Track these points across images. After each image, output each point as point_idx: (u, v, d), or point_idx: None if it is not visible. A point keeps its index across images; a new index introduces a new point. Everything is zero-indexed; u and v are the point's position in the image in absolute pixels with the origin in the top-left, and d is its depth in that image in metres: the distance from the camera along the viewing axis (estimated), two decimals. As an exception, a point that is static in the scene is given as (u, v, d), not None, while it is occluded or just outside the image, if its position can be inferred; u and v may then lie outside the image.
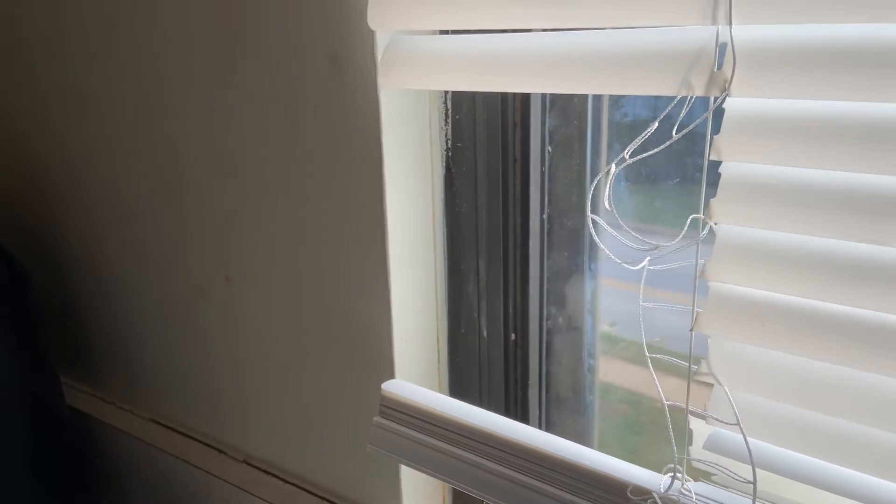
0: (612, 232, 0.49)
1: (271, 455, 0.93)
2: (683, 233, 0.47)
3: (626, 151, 0.48)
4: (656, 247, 0.47)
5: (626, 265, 0.49)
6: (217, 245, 0.88)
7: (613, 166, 0.48)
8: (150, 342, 1.03)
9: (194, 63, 0.81)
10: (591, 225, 0.49)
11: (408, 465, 0.66)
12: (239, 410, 0.95)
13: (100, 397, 1.15)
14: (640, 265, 0.48)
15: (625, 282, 0.76)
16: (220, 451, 0.98)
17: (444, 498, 0.84)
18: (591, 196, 0.50)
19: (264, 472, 0.93)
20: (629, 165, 0.72)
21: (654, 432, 0.76)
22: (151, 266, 0.98)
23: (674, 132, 0.47)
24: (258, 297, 0.86)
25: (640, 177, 0.71)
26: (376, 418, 0.69)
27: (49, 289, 1.14)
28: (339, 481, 0.86)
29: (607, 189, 0.48)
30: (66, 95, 0.98)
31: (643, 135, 0.48)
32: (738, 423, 0.48)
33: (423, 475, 0.81)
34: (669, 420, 0.51)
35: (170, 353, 1.01)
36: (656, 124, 0.46)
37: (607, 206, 0.46)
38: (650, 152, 0.47)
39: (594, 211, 0.72)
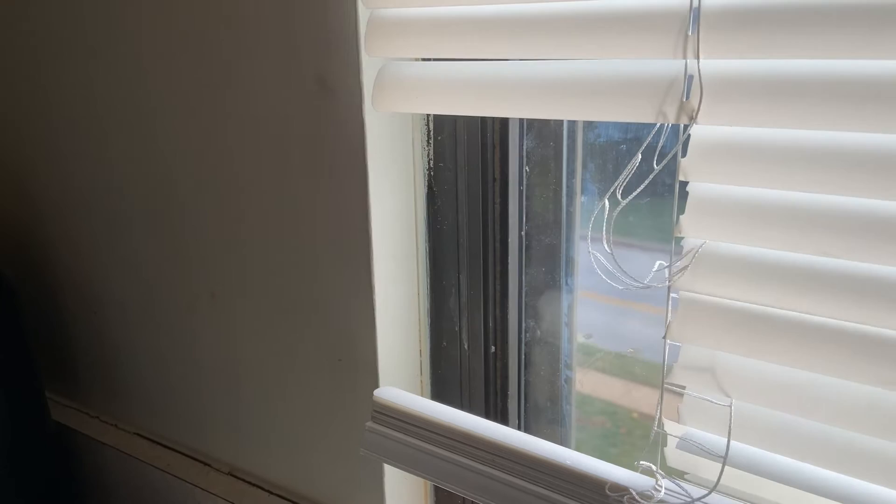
0: (608, 266, 0.52)
1: (256, 467, 0.95)
2: (652, 273, 0.51)
3: (615, 188, 0.52)
4: (646, 287, 0.51)
5: (623, 286, 0.53)
6: (204, 261, 0.90)
7: (607, 203, 0.52)
8: (135, 357, 1.04)
9: (185, 83, 0.83)
10: (592, 258, 0.52)
11: (398, 468, 0.69)
12: (224, 423, 0.96)
13: (84, 412, 1.15)
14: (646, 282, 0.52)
15: (601, 294, 0.80)
16: (205, 463, 0.99)
17: (426, 503, 0.87)
18: (590, 230, 0.53)
19: (249, 483, 0.94)
20: (603, 184, 0.76)
21: (630, 442, 0.80)
22: (138, 282, 0.99)
23: (654, 163, 0.51)
24: (244, 312, 0.88)
25: (615, 194, 0.75)
26: (369, 423, 0.72)
27: (35, 303, 1.14)
28: (323, 490, 0.88)
29: (606, 226, 0.52)
30: (56, 111, 0.99)
31: (628, 170, 0.52)
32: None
33: (407, 481, 0.84)
34: (657, 421, 0.54)
35: (155, 368, 1.02)
36: (640, 157, 0.50)
37: (607, 248, 0.50)
38: (638, 190, 0.51)
39: (575, 236, 0.76)
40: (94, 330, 1.08)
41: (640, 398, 0.78)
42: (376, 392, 0.73)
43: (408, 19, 0.60)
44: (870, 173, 0.45)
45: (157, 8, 0.82)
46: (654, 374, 0.76)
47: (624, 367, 0.79)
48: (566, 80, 0.53)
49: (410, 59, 0.68)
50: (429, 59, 0.68)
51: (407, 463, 0.67)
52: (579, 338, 0.80)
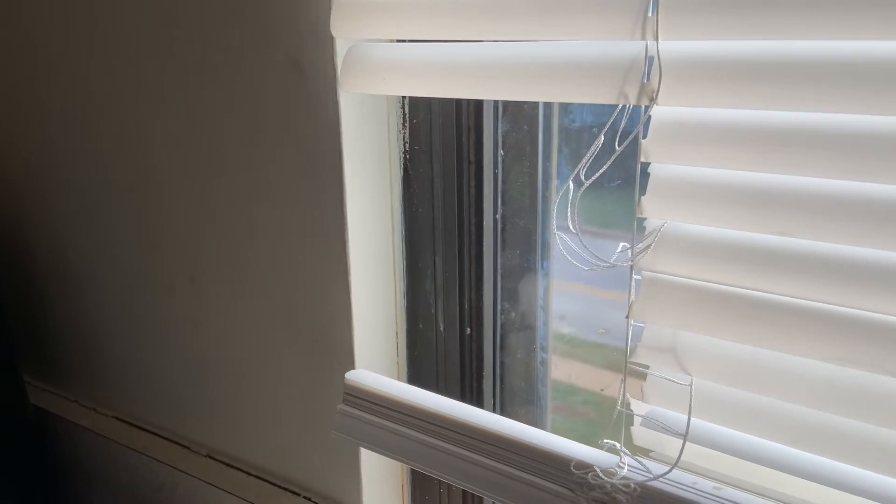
0: (575, 248, 0.53)
1: (234, 449, 0.95)
2: (616, 254, 0.51)
3: (579, 170, 0.53)
4: (613, 265, 0.52)
5: (587, 268, 0.54)
6: (182, 245, 0.90)
7: (571, 185, 0.52)
8: (113, 340, 1.05)
9: (161, 66, 0.83)
10: (559, 242, 0.53)
11: (370, 449, 0.70)
12: (202, 406, 0.97)
13: (63, 396, 1.15)
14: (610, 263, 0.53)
15: (577, 283, 0.80)
16: (183, 445, 1.00)
17: (402, 483, 0.88)
18: (555, 212, 0.53)
19: (227, 465, 0.95)
20: (576, 165, 0.76)
21: (601, 423, 0.81)
22: (116, 265, 0.99)
23: (616, 143, 0.51)
24: (222, 295, 0.88)
25: (589, 177, 0.75)
26: (340, 406, 0.73)
27: (13, 287, 1.14)
28: (302, 471, 0.89)
29: (571, 207, 0.52)
30: (33, 96, 0.99)
31: (591, 152, 0.53)
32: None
33: (383, 462, 0.85)
34: (620, 402, 0.55)
35: (134, 351, 1.03)
36: (602, 138, 0.51)
37: (572, 229, 0.50)
38: (602, 169, 0.52)
39: (551, 220, 0.76)
40: (72, 313, 1.09)
41: (610, 380, 0.79)
42: (348, 375, 0.73)
43: (371, 0, 0.60)
44: (828, 153, 0.46)
45: (131, -10, 0.82)
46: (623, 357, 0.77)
47: (595, 351, 0.79)
48: (529, 62, 0.54)
49: (381, 41, 0.68)
50: (398, 41, 0.69)
51: (378, 445, 0.68)
52: (554, 321, 0.81)
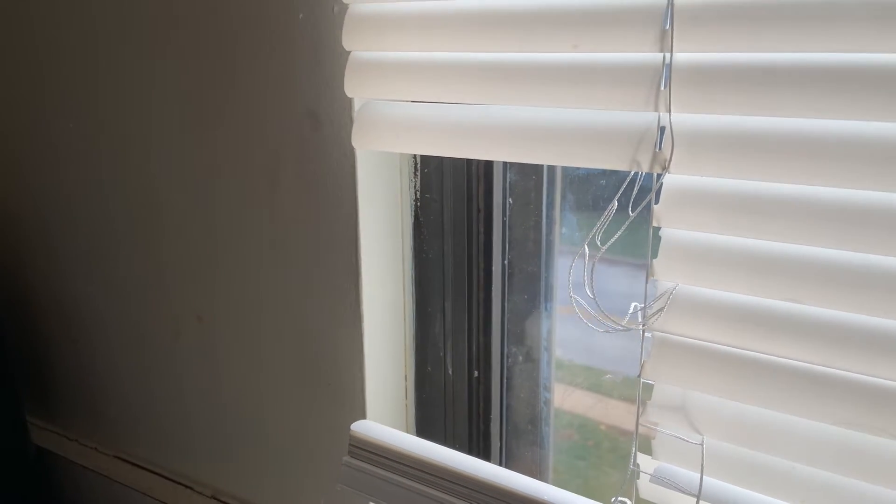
0: (592, 313, 0.54)
1: (240, 490, 0.95)
2: (628, 315, 0.53)
3: (593, 234, 0.54)
4: (625, 328, 0.53)
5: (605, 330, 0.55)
6: (190, 286, 0.91)
7: (587, 249, 0.54)
8: (116, 379, 1.04)
9: (177, 109, 0.85)
10: (575, 306, 0.54)
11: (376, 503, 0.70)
12: (207, 446, 0.97)
13: (64, 435, 1.14)
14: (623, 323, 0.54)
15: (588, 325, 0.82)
16: (186, 486, 1.00)
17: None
18: (570, 276, 0.55)
19: (234, 506, 0.96)
20: (581, 212, 0.78)
21: (598, 455, 0.82)
22: (121, 305, 1.00)
23: (630, 209, 0.53)
24: (230, 336, 0.89)
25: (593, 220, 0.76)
26: (345, 458, 0.73)
27: (15, 326, 1.14)
28: (309, 514, 0.89)
29: (587, 273, 0.53)
30: (40, 131, 1.00)
31: (605, 217, 0.54)
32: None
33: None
34: (633, 451, 0.56)
35: (137, 391, 1.02)
36: (616, 203, 0.52)
37: (589, 294, 0.52)
38: (615, 237, 0.53)
39: (554, 264, 0.78)
40: (74, 352, 1.08)
41: (616, 415, 0.80)
42: (353, 426, 0.74)
43: (385, 62, 0.62)
44: (836, 224, 0.47)
45: (156, 36, 0.84)
46: (630, 390, 0.78)
47: (603, 384, 0.81)
48: (544, 127, 0.55)
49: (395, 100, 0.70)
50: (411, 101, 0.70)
51: (384, 499, 0.68)
52: (558, 355, 0.82)
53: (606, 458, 0.82)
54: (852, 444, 0.50)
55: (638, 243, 0.73)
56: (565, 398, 0.83)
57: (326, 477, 0.85)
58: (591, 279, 0.53)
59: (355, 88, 0.64)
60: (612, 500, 0.57)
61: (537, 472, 0.85)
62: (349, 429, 0.75)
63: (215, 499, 0.97)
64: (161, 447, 1.02)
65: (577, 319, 0.81)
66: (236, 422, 0.92)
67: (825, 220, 0.48)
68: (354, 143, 0.66)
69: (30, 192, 1.05)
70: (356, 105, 0.70)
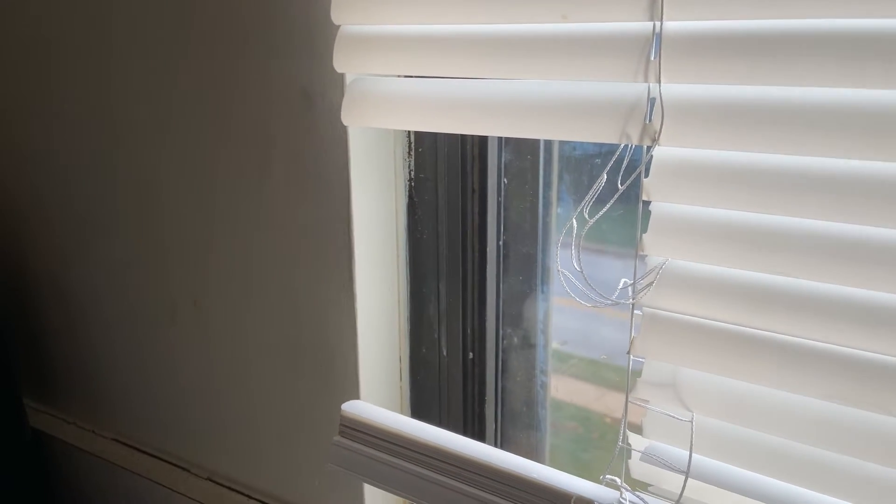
0: (578, 284, 0.53)
1: (236, 472, 0.95)
2: (618, 290, 0.52)
3: (582, 207, 0.53)
4: (615, 303, 0.52)
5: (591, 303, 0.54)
6: (185, 268, 0.91)
7: (574, 223, 0.53)
8: (114, 362, 1.05)
9: (168, 90, 0.84)
10: (562, 279, 0.53)
11: (366, 483, 0.70)
12: (204, 428, 0.97)
13: (62, 418, 1.15)
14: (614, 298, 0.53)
15: (577, 300, 0.81)
16: (183, 468, 1.00)
17: (405, 509, 0.88)
18: (558, 247, 0.54)
19: (229, 488, 0.95)
20: (578, 195, 0.77)
21: (602, 447, 0.81)
22: (118, 288, 1.00)
23: (619, 181, 0.52)
24: (226, 319, 0.89)
25: (592, 208, 0.76)
26: (335, 437, 0.73)
27: (12, 308, 1.15)
28: (305, 497, 0.89)
29: (575, 243, 0.53)
30: (39, 117, 1.00)
31: (594, 190, 0.53)
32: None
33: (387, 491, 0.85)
34: (622, 433, 0.55)
35: (134, 373, 1.03)
36: (605, 176, 0.51)
37: (576, 266, 0.51)
38: (605, 209, 0.53)
39: (551, 246, 0.77)
40: (71, 335, 1.09)
41: (612, 404, 0.79)
42: (344, 406, 0.74)
43: (374, 36, 0.61)
44: (827, 196, 0.47)
45: (146, 15, 0.83)
46: (625, 380, 0.78)
47: (597, 373, 0.80)
48: (533, 100, 0.55)
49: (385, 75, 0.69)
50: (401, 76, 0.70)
51: (373, 477, 0.68)
52: (554, 344, 0.82)
53: (596, 442, 0.82)
54: (844, 420, 0.49)
55: (630, 234, 0.72)
56: (559, 385, 0.82)
57: (321, 459, 0.85)
58: (579, 252, 0.52)
59: (345, 63, 0.63)
60: (601, 477, 0.57)
61: (533, 455, 0.85)
62: (340, 409, 0.74)
63: (211, 481, 0.97)
64: (158, 430, 1.03)
65: (574, 309, 0.81)
66: (232, 404, 0.92)
67: (817, 192, 0.47)
68: (344, 120, 0.66)
69: (27, 174, 1.05)
70: (348, 81, 0.69)
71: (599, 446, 0.82)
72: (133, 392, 1.04)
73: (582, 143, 0.77)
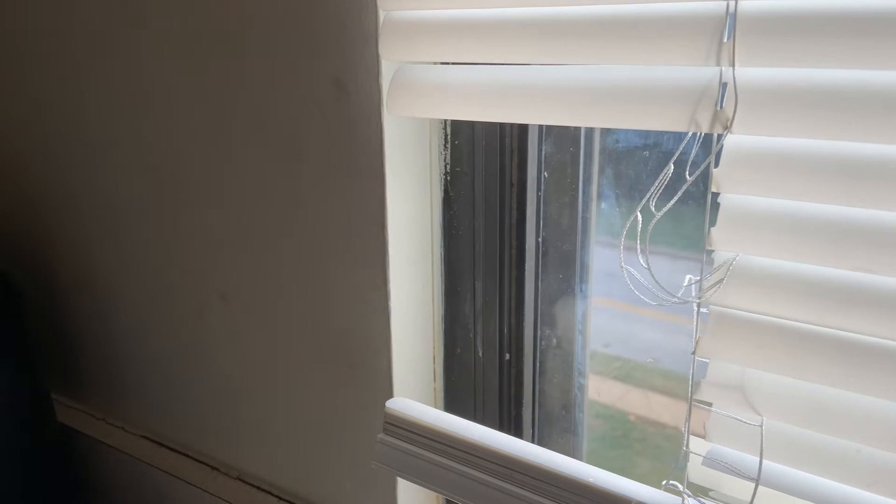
0: (643, 281, 0.51)
1: (266, 472, 0.93)
2: (683, 288, 0.49)
3: (648, 198, 0.50)
4: (679, 300, 0.50)
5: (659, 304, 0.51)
6: (214, 263, 0.89)
7: (640, 216, 0.50)
8: (143, 359, 1.03)
9: (198, 81, 0.82)
10: (626, 275, 0.51)
11: (411, 481, 0.68)
12: (233, 427, 0.95)
13: (91, 414, 1.14)
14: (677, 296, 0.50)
15: (615, 300, 0.78)
16: (213, 467, 0.98)
17: (441, 513, 0.86)
18: (623, 243, 0.51)
19: (258, 488, 0.93)
20: (621, 189, 0.75)
21: (646, 452, 0.79)
22: (145, 283, 0.98)
23: (687, 174, 0.49)
24: (255, 315, 0.87)
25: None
26: (380, 435, 0.70)
27: (42, 305, 1.13)
28: (336, 498, 0.87)
29: (641, 238, 0.50)
30: (64, 113, 0.98)
31: (660, 180, 0.50)
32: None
33: (420, 492, 0.82)
34: (686, 437, 0.53)
35: (164, 370, 1.01)
36: (671, 166, 0.49)
37: (643, 264, 0.48)
38: (672, 201, 0.50)
39: (590, 243, 0.74)
40: (100, 331, 1.07)
41: (659, 408, 0.76)
42: (388, 403, 0.71)
43: (423, 21, 0.58)
44: (910, 187, 0.44)
45: (179, 4, 0.81)
46: (672, 384, 0.75)
47: (643, 377, 0.77)
48: (593, 87, 0.52)
49: (429, 63, 0.67)
50: (448, 63, 0.67)
51: (420, 476, 0.65)
52: (597, 346, 0.79)
53: (635, 447, 0.79)
54: (929, 426, 0.46)
55: (682, 232, 0.69)
56: (602, 389, 0.79)
57: (351, 460, 0.83)
58: (647, 248, 0.49)
59: (391, 51, 0.61)
60: (663, 483, 0.54)
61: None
62: (384, 406, 0.72)
63: (241, 480, 0.95)
64: (188, 428, 1.01)
65: (613, 310, 0.78)
66: (262, 403, 0.90)
67: (903, 183, 0.44)
68: (389, 110, 0.63)
69: (58, 170, 1.03)
70: (384, 70, 0.66)
71: (642, 452, 0.79)
72: (162, 389, 1.02)
73: (626, 134, 0.74)
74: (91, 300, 1.06)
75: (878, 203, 0.44)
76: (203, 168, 0.85)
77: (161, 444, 1.05)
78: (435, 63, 0.66)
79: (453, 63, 0.65)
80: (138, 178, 0.93)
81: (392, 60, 0.64)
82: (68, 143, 0.99)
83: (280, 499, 0.91)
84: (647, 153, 0.71)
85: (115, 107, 0.92)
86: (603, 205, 0.76)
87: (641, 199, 0.75)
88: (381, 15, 0.63)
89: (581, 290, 0.79)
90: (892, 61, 0.42)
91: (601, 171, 0.76)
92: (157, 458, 1.03)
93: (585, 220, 0.77)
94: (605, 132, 0.74)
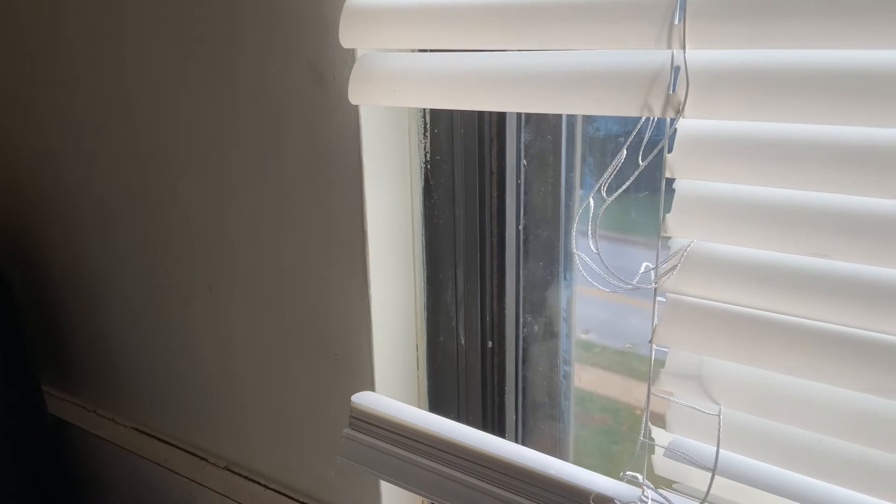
0: (595, 268, 0.50)
1: (253, 462, 0.94)
2: (639, 274, 0.48)
3: (600, 185, 0.50)
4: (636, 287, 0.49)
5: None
6: (200, 254, 0.89)
7: (591, 202, 0.50)
8: (132, 350, 1.04)
9: (179, 71, 0.83)
10: (578, 262, 0.50)
11: (378, 477, 0.68)
12: (221, 417, 0.96)
13: (82, 406, 1.15)
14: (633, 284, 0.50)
15: (600, 289, 0.78)
16: (201, 458, 0.99)
17: (423, 500, 0.86)
18: (574, 230, 0.51)
19: (246, 478, 0.94)
20: (600, 175, 0.74)
21: (632, 439, 0.78)
22: (134, 275, 0.99)
23: (640, 157, 0.49)
24: (240, 305, 0.87)
25: (612, 190, 0.73)
26: (346, 430, 0.70)
27: (33, 298, 1.15)
28: (321, 487, 0.87)
29: (592, 225, 0.50)
30: (54, 103, 0.99)
31: (613, 166, 0.50)
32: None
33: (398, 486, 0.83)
34: (645, 428, 0.52)
35: (152, 362, 1.02)
36: (624, 152, 0.48)
37: (593, 249, 0.48)
38: (624, 186, 0.49)
39: (573, 232, 0.74)
40: (90, 323, 1.09)
41: (638, 394, 0.76)
42: (354, 397, 0.71)
43: (382, 8, 0.58)
44: (866, 170, 0.43)
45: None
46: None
47: (623, 363, 0.77)
48: (547, 73, 0.51)
49: (396, 50, 0.66)
50: (414, 50, 0.67)
51: (384, 472, 0.65)
52: (578, 333, 0.79)
53: (625, 434, 0.78)
54: (883, 414, 0.45)
55: (651, 223, 0.69)
56: (583, 376, 0.79)
57: (336, 450, 0.83)
58: (596, 234, 0.49)
59: (352, 38, 0.61)
60: (621, 474, 0.53)
61: (556, 448, 0.82)
62: (350, 400, 0.72)
63: (228, 470, 0.96)
64: (176, 418, 1.02)
65: (600, 299, 0.77)
66: (248, 393, 0.91)
67: (857, 166, 0.43)
68: (352, 99, 0.63)
69: (47, 161, 1.04)
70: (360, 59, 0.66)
71: (628, 438, 0.78)
72: (151, 380, 1.03)
73: (605, 122, 0.74)
74: (82, 293, 1.08)
75: (830, 186, 0.43)
76: (187, 161, 0.86)
77: (151, 436, 1.06)
78: (400, 50, 0.66)
79: (419, 50, 0.65)
80: (128, 170, 0.94)
81: (352, 48, 0.64)
82: (58, 137, 1.00)
83: (266, 487, 0.92)
84: (622, 140, 0.70)
85: (102, 102, 0.93)
86: (582, 192, 0.76)
87: (620, 186, 0.74)
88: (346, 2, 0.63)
89: (565, 278, 0.78)
90: (844, 41, 0.41)
91: (583, 159, 0.75)
92: (147, 449, 1.05)
93: (568, 208, 0.76)
94: (586, 121, 0.74)
